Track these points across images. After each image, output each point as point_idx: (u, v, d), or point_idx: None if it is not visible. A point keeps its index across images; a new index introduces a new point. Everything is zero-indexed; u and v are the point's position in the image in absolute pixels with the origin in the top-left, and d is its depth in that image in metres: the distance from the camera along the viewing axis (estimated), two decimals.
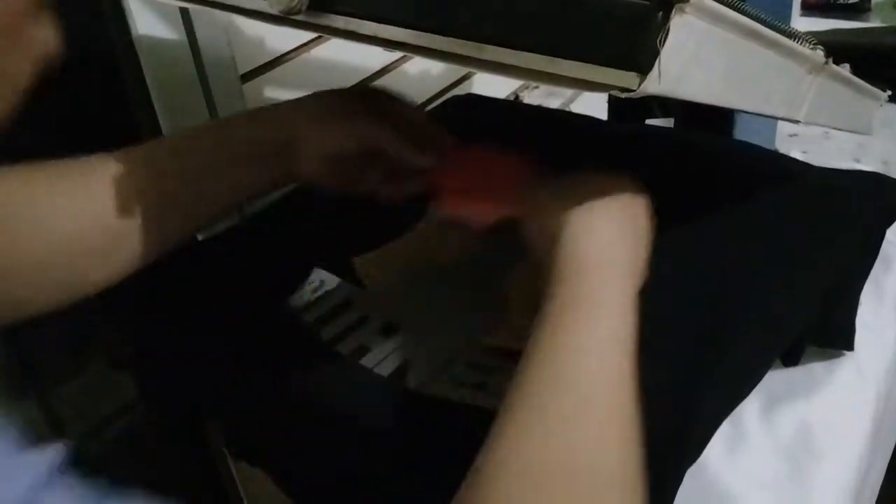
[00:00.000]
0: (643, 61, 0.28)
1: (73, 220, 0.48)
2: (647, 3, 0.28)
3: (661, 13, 0.28)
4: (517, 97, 0.73)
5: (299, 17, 0.38)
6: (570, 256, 0.41)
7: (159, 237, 0.50)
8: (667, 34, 0.28)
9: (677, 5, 0.28)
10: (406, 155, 0.53)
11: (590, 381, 0.37)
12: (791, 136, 0.94)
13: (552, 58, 0.30)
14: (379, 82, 0.91)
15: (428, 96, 0.97)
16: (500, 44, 0.32)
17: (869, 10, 1.17)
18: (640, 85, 0.29)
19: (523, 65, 0.31)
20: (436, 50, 0.34)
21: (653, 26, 0.28)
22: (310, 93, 0.55)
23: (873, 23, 1.15)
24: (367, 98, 0.55)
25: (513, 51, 0.32)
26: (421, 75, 0.96)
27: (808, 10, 1.18)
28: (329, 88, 0.55)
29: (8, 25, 0.32)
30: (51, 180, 0.48)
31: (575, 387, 0.37)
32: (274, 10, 0.38)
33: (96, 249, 0.49)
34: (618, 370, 0.38)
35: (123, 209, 0.48)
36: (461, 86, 0.98)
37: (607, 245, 0.41)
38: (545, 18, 0.31)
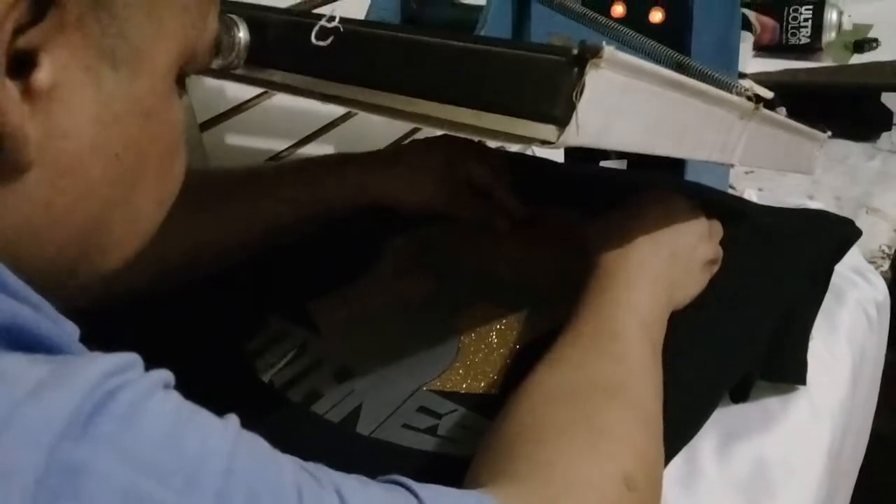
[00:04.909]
0: (560, 115, 0.29)
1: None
2: (561, 58, 0.29)
3: (575, 69, 0.29)
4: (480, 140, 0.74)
5: (238, 72, 0.39)
6: (611, 259, 0.50)
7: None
8: (583, 88, 0.29)
9: (591, 60, 0.29)
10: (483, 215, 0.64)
11: (626, 337, 0.45)
12: (747, 173, 0.96)
13: (476, 111, 0.31)
14: (342, 127, 0.92)
15: (393, 139, 0.98)
16: (428, 98, 0.33)
17: (820, 49, 1.20)
18: (559, 138, 0.30)
19: (450, 118, 0.32)
20: (369, 103, 0.35)
21: (568, 81, 0.29)
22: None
23: (825, 62, 1.19)
24: (451, 157, 0.63)
25: (440, 104, 0.33)
26: (385, 119, 0.97)
27: (761, 50, 1.21)
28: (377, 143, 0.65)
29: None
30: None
31: (615, 336, 0.45)
32: (213, 65, 0.39)
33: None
34: (649, 346, 0.46)
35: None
36: (425, 129, 0.99)
37: (646, 259, 0.50)
38: (469, 73, 0.32)
